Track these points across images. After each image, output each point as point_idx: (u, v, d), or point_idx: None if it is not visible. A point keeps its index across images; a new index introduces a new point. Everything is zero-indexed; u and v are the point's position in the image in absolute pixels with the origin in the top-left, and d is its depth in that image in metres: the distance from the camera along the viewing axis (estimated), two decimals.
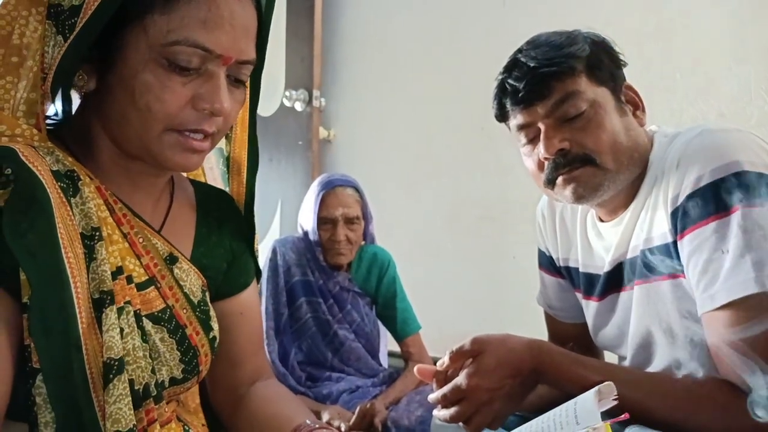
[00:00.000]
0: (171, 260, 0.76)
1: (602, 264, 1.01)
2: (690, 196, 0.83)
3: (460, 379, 0.85)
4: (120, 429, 0.61)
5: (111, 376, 0.62)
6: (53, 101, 0.69)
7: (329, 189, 1.78)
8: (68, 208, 0.64)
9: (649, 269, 0.92)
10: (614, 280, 0.99)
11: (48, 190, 0.62)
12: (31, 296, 0.60)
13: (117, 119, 0.68)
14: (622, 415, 0.63)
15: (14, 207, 0.60)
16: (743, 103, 1.66)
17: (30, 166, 0.62)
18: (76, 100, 0.74)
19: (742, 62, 1.65)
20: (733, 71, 1.67)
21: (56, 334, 0.60)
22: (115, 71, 0.66)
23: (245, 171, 0.88)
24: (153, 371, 0.69)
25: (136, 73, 0.65)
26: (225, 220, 0.87)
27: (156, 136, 0.68)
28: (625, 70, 0.98)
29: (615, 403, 0.66)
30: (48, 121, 0.71)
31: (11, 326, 0.61)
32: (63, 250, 0.61)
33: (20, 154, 0.62)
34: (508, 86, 0.94)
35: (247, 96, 0.77)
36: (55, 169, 0.65)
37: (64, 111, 0.72)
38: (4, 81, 0.66)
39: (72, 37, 0.64)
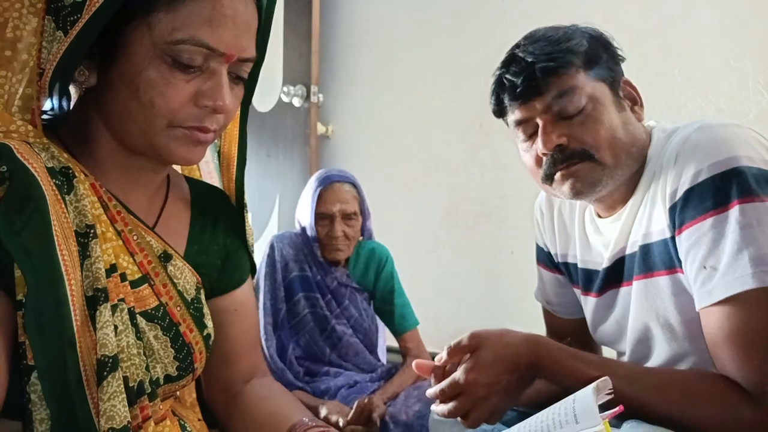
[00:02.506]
0: (165, 258, 0.76)
1: (601, 260, 1.01)
2: (688, 192, 0.83)
3: (458, 374, 0.85)
4: (114, 426, 0.61)
5: (105, 373, 0.62)
6: (51, 96, 0.69)
7: (326, 185, 1.78)
8: (63, 205, 0.64)
9: (647, 265, 0.92)
10: (613, 276, 0.99)
11: (43, 188, 0.61)
12: (26, 293, 0.59)
13: (119, 114, 0.68)
14: (616, 408, 0.63)
15: (10, 204, 0.59)
16: (742, 99, 1.65)
17: (25, 163, 0.61)
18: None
19: (741, 57, 1.65)
20: (732, 66, 1.67)
21: (51, 332, 0.59)
22: (118, 67, 0.66)
23: (234, 167, 0.88)
24: (147, 368, 0.69)
25: (140, 70, 0.65)
26: (219, 218, 0.86)
27: (159, 131, 0.68)
28: (624, 66, 0.97)
29: (609, 397, 0.66)
30: (43, 117, 0.71)
31: (6, 324, 0.61)
32: (58, 248, 0.61)
33: (15, 151, 0.61)
34: (505, 82, 0.94)
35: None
36: (49, 165, 0.65)
37: (60, 106, 0.72)
38: None
39: (75, 34, 0.63)
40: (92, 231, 0.66)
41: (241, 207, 0.90)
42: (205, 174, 0.93)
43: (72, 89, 0.71)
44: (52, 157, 0.66)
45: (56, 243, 0.61)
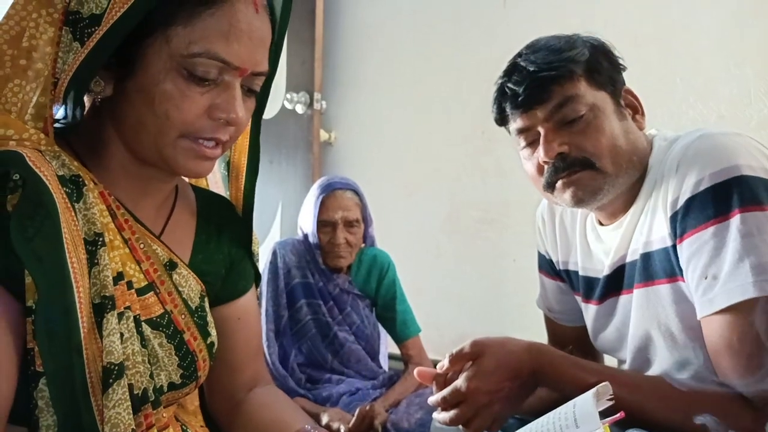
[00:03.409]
0: (170, 266, 0.76)
1: (602, 267, 1.02)
2: (689, 200, 0.83)
3: (460, 382, 0.85)
4: None
5: (111, 380, 0.63)
6: (64, 105, 0.70)
7: (329, 192, 1.78)
8: (72, 213, 0.65)
9: (648, 273, 0.92)
10: (614, 284, 0.99)
11: (54, 195, 0.62)
12: (36, 300, 0.60)
13: (132, 125, 0.69)
14: (618, 414, 0.63)
15: (22, 211, 0.60)
16: (743, 106, 1.66)
17: (37, 171, 0.62)
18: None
19: (742, 64, 1.65)
20: (733, 73, 1.67)
21: (59, 338, 0.60)
22: (134, 78, 0.67)
23: (243, 177, 0.89)
24: (151, 376, 0.70)
25: (157, 82, 0.66)
26: (224, 227, 0.87)
27: (171, 142, 0.69)
28: (625, 74, 0.98)
29: (611, 403, 0.66)
30: (55, 125, 0.72)
31: (16, 329, 0.61)
32: (67, 255, 0.61)
33: (27, 159, 0.62)
34: (507, 90, 0.94)
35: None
36: (60, 173, 0.65)
37: (73, 115, 0.72)
38: (13, 84, 0.66)
39: (92, 45, 0.64)
40: (101, 239, 0.66)
41: (247, 217, 0.90)
42: (211, 183, 0.94)
43: (85, 98, 0.72)
44: (63, 165, 0.67)
45: (66, 250, 0.61)
